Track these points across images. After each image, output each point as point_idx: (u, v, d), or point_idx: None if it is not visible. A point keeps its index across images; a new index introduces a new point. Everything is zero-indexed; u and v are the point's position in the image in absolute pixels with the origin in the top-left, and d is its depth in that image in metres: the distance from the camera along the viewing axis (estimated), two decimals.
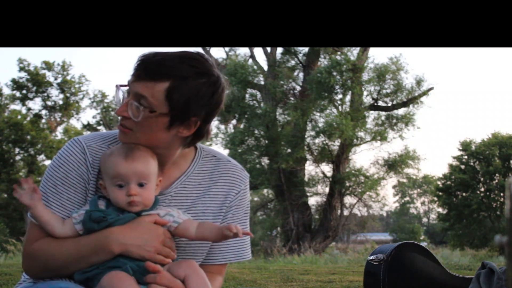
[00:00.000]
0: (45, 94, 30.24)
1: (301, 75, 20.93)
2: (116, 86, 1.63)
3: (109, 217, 1.57)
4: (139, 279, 1.53)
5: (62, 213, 1.62)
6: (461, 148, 25.91)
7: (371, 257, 3.16)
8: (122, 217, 1.58)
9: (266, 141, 19.78)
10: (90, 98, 32.01)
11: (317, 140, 19.90)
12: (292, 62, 21.19)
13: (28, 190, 1.57)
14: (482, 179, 24.99)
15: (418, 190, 59.06)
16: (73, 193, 1.63)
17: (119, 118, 1.60)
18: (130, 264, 1.54)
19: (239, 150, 20.20)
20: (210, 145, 25.65)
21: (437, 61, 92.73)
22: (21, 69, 29.59)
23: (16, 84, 29.67)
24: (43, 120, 30.61)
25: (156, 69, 1.55)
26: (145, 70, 1.55)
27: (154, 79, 1.54)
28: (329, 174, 20.19)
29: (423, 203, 60.06)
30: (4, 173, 28.90)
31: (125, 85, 1.61)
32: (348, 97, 19.66)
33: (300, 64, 20.79)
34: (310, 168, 21.01)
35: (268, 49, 20.95)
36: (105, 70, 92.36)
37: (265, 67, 21.01)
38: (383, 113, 20.07)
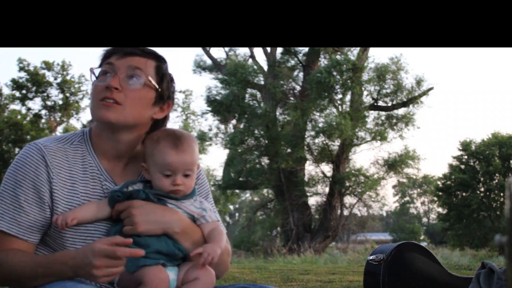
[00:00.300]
0: (45, 94, 30.20)
1: (301, 75, 20.92)
2: (91, 69, 1.71)
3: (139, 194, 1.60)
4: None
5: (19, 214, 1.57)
6: (461, 148, 25.90)
7: (371, 257, 3.16)
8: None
9: (266, 141, 19.77)
10: (89, 98, 31.97)
11: (317, 140, 19.91)
12: (292, 62, 21.19)
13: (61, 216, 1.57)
14: (482, 179, 24.98)
15: (418, 190, 59.04)
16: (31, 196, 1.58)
17: (103, 96, 1.66)
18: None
19: (239, 150, 20.20)
20: (210, 145, 25.63)
21: (437, 61, 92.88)
22: (21, 69, 29.56)
23: (16, 84, 29.63)
24: (43, 120, 30.57)
25: (144, 49, 1.67)
26: (135, 49, 1.66)
27: (145, 56, 1.66)
28: (329, 174, 20.19)
29: (423, 203, 60.05)
30: (4, 173, 28.88)
31: (98, 67, 1.68)
32: (348, 97, 19.67)
33: (300, 64, 20.78)
34: (310, 168, 21.02)
35: (268, 49, 20.95)
36: None
37: (265, 67, 21.01)
38: (383, 113, 20.07)
